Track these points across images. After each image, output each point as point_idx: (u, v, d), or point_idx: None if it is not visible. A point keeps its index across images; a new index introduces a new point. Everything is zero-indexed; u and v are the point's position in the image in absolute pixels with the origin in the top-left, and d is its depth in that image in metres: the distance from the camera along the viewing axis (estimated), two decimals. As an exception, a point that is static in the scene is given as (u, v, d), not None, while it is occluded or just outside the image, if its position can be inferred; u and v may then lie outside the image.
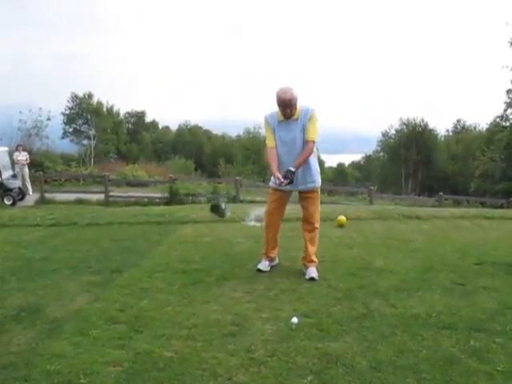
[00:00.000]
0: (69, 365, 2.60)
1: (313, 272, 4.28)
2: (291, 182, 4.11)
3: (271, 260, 4.58)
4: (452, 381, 2.45)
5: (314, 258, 4.42)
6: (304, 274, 4.33)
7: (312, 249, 4.43)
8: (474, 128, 52.21)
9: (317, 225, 4.47)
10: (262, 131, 31.34)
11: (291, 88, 4.11)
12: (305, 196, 4.44)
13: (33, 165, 18.18)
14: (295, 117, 4.18)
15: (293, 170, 4.10)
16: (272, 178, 4.39)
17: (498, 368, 2.58)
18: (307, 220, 4.47)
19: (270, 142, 4.31)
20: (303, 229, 4.51)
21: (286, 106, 4.10)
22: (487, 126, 44.09)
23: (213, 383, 2.42)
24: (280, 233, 4.61)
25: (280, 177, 4.05)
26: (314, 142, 4.20)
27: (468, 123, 54.40)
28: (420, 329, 3.10)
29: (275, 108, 4.24)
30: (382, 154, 53.42)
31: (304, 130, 4.19)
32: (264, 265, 4.49)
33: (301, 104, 4.19)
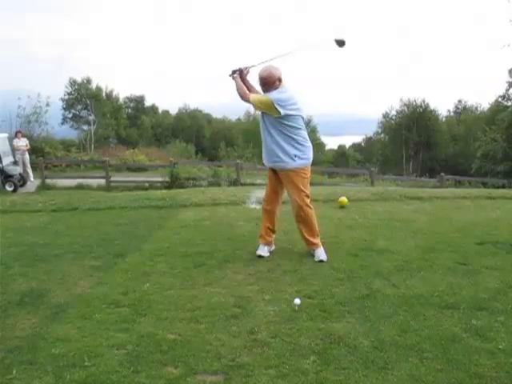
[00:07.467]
0: (73, 348, 2.62)
1: (321, 254, 4.25)
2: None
3: (269, 244, 4.51)
4: (454, 359, 2.46)
5: (315, 241, 4.33)
6: (312, 256, 4.30)
7: (307, 232, 4.33)
8: (476, 108, 51.79)
9: (301, 204, 4.25)
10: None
11: (275, 68, 4.19)
12: (280, 175, 4.35)
13: (33, 151, 18.16)
14: None
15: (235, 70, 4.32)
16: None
17: (500, 346, 2.60)
18: (291, 203, 4.38)
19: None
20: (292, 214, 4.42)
21: (261, 83, 4.24)
22: (489, 106, 43.77)
23: (216, 364, 2.44)
24: (280, 216, 4.55)
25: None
26: (249, 100, 4.19)
27: (469, 103, 53.98)
28: (422, 308, 3.12)
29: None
30: (382, 135, 53.07)
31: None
32: (263, 250, 4.41)
33: (281, 89, 4.18)
